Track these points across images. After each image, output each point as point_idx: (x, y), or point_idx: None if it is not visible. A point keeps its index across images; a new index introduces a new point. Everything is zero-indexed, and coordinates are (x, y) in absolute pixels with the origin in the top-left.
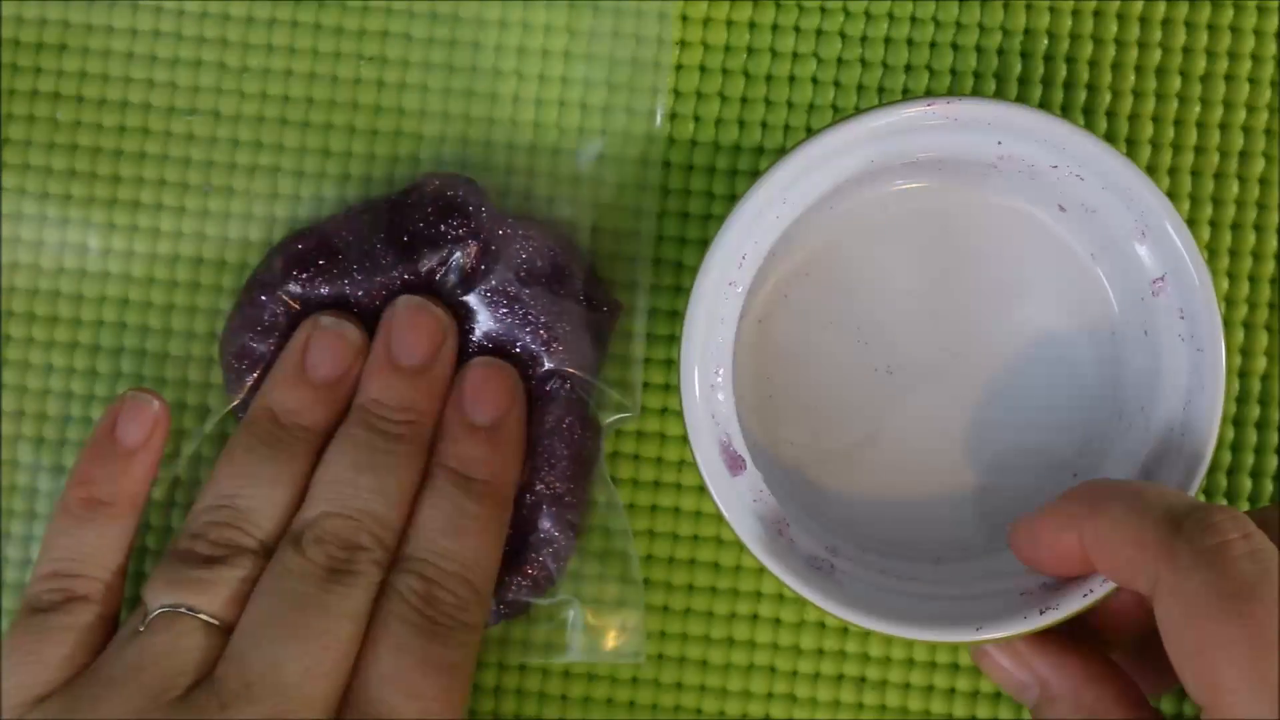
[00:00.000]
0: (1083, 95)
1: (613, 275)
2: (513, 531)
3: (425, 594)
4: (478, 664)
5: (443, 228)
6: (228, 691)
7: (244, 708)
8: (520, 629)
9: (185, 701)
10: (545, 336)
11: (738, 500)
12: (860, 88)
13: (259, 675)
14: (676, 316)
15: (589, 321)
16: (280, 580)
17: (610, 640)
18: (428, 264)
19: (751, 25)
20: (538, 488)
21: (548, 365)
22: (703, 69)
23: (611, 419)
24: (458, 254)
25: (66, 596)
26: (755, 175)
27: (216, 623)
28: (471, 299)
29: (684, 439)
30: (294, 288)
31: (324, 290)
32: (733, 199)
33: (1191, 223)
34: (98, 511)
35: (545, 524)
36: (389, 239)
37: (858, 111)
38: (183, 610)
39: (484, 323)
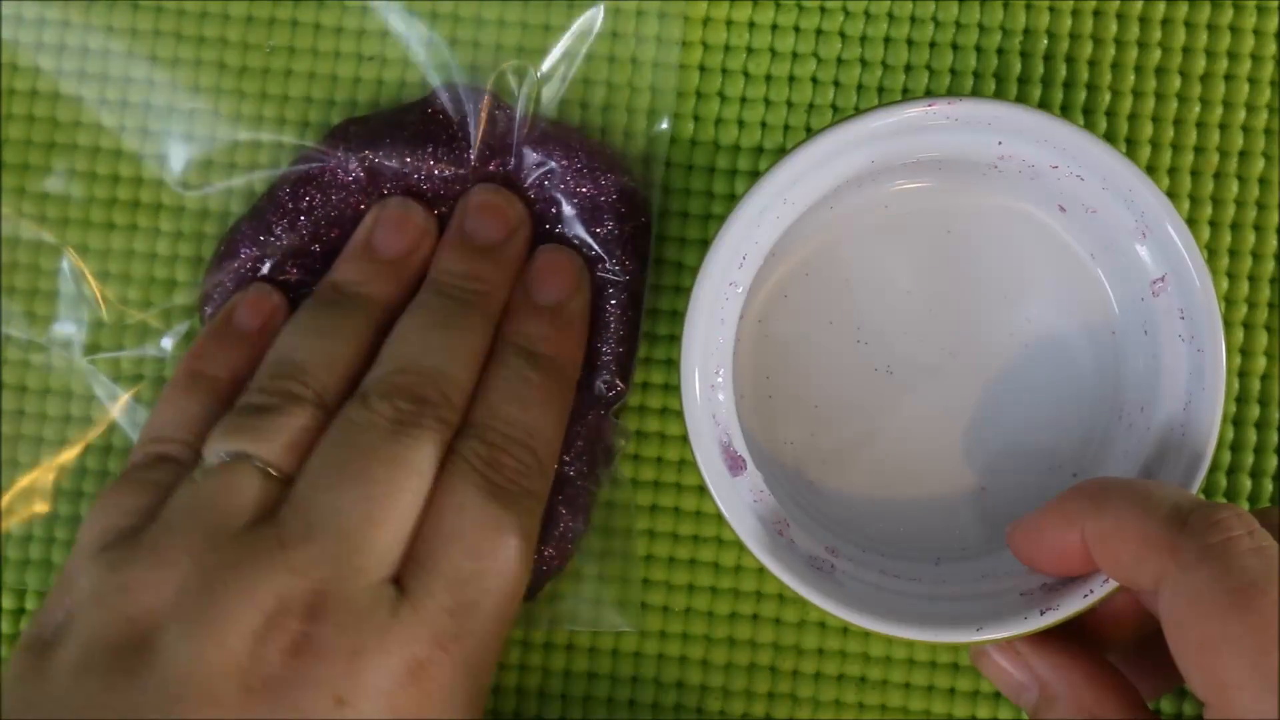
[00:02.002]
0: (1083, 95)
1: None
2: None
3: (489, 458)
4: None
5: (460, 144)
6: (288, 531)
7: (303, 547)
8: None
9: (244, 538)
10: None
11: (738, 500)
12: (860, 87)
13: (320, 518)
14: (677, 316)
15: (623, 283)
16: (346, 431)
17: (606, 609)
18: (437, 186)
19: (751, 25)
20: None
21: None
22: (702, 68)
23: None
24: (473, 168)
25: (156, 457)
26: (755, 175)
27: (272, 470)
28: None
29: (684, 439)
30: (273, 237)
31: (318, 206)
32: (733, 199)
33: (1191, 222)
34: (199, 382)
35: (560, 507)
36: (391, 151)
37: (858, 112)
38: (238, 456)
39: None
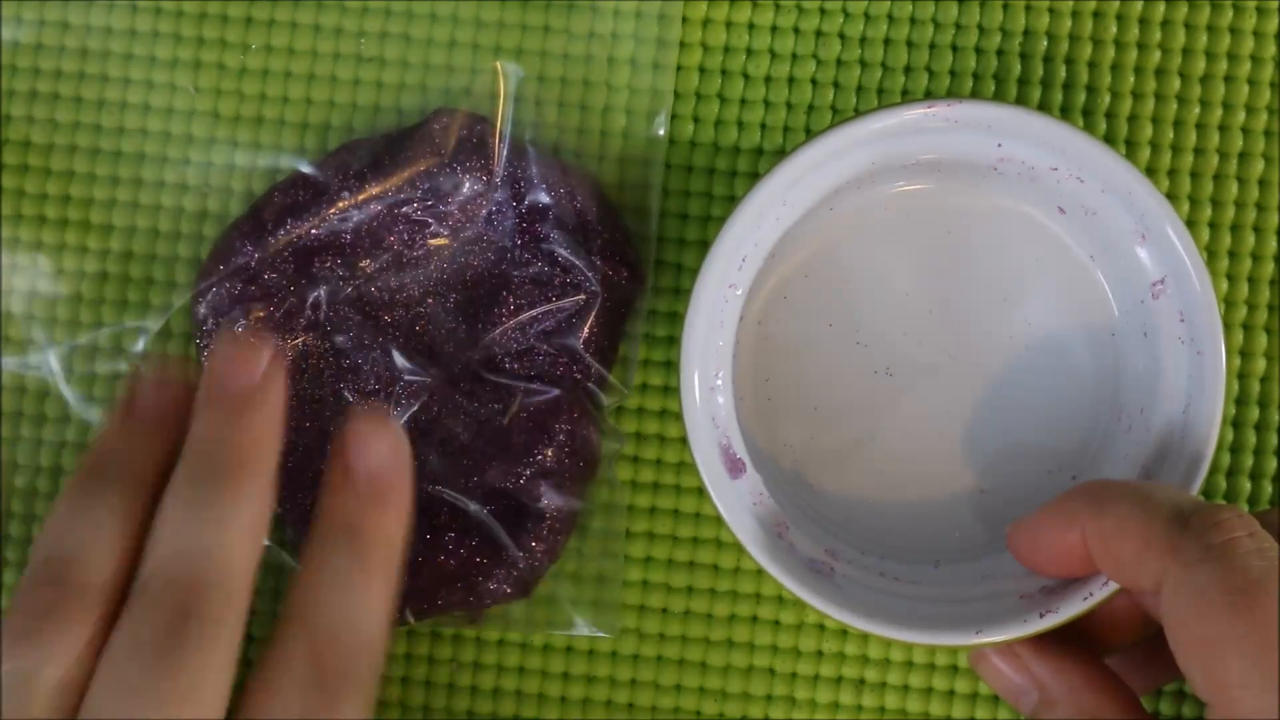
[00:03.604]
0: (1082, 97)
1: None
2: (515, 509)
3: (312, 654)
4: (475, 664)
5: (454, 164)
6: None
7: None
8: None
9: None
10: (553, 299)
11: (738, 503)
12: (860, 89)
13: None
14: (676, 318)
15: (606, 290)
16: (133, 630)
17: (586, 614)
18: (432, 201)
19: (751, 26)
20: (536, 460)
21: (549, 333)
22: (702, 70)
23: (608, 404)
24: (468, 189)
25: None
26: (755, 177)
27: (64, 682)
28: (477, 245)
29: (683, 441)
30: (269, 237)
31: (304, 230)
32: (732, 200)
33: (1191, 224)
34: (108, 478)
35: (545, 501)
36: (381, 173)
37: (858, 114)
38: (25, 671)
39: (482, 268)
